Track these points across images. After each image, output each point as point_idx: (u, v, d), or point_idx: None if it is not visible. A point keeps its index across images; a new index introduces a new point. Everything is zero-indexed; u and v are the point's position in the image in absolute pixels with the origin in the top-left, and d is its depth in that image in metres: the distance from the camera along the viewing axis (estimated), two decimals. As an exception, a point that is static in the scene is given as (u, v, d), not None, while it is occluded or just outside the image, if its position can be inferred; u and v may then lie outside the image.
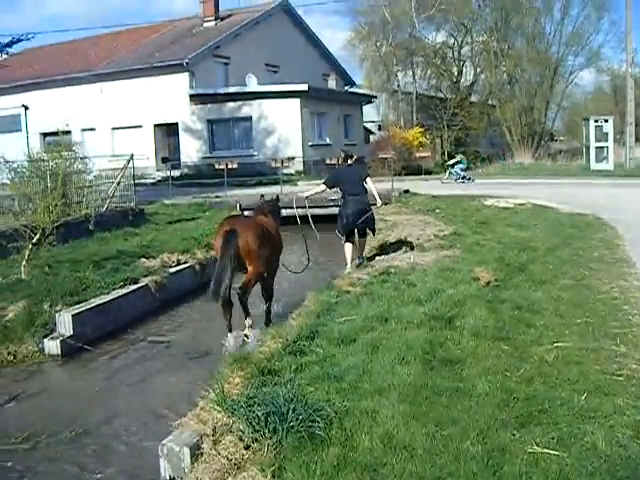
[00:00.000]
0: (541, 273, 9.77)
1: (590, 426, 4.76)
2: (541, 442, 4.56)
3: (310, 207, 12.58)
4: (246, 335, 9.00)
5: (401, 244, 13.31)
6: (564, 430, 4.73)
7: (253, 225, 9.19)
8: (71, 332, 9.51)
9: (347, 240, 11.92)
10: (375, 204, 12.20)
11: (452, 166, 28.46)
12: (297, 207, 12.47)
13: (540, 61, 42.69)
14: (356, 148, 37.33)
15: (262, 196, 11.85)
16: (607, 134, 31.46)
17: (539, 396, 5.30)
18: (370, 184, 11.84)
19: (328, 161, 29.12)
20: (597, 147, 31.48)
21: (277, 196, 11.66)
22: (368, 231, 12.19)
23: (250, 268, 8.92)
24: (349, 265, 11.77)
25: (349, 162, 12.31)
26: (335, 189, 12.38)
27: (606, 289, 8.75)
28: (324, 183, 12.20)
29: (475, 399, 5.31)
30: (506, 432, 4.74)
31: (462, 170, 28.18)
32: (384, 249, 13.00)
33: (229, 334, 8.94)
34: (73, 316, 9.62)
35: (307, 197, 12.45)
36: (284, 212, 11.42)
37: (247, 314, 9.18)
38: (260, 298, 9.94)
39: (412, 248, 12.71)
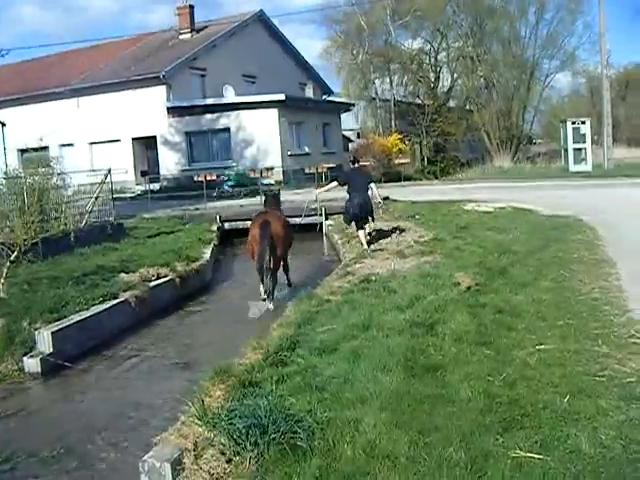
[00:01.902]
0: (522, 276, 9.78)
1: (573, 428, 4.75)
2: (524, 446, 4.55)
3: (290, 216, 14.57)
4: (264, 299, 11.58)
5: (381, 251, 13.29)
6: (547, 433, 4.72)
7: (279, 217, 12.39)
8: (51, 349, 9.37)
9: (357, 228, 14.21)
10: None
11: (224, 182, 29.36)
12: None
13: (516, 65, 42.87)
14: (335, 156, 37.37)
15: (265, 192, 15.51)
16: (584, 135, 31.71)
17: (522, 400, 5.29)
18: (374, 189, 14.03)
19: (307, 170, 29.08)
20: (575, 149, 31.70)
21: (279, 190, 15.10)
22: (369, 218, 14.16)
23: (279, 248, 11.68)
24: (364, 246, 13.79)
25: (355, 165, 14.85)
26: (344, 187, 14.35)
27: (587, 290, 8.78)
28: (336, 180, 14.71)
29: (458, 405, 5.29)
30: (489, 437, 4.72)
31: (230, 187, 29.09)
32: (364, 256, 12.96)
33: (251, 302, 11.81)
34: (53, 333, 9.47)
35: (319, 192, 15.34)
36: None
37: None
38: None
39: (392, 254, 12.69)
